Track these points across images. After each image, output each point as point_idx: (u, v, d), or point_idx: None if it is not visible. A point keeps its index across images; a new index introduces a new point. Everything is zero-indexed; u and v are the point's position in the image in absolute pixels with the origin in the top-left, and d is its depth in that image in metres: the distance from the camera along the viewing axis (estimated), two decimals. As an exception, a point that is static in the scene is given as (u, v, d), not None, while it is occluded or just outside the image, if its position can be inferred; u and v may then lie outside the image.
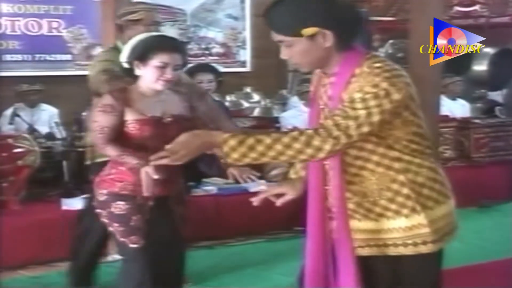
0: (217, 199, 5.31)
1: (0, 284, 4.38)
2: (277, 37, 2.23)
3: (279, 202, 2.47)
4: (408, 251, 2.27)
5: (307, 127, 2.27)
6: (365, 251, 2.32)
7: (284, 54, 2.25)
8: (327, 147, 2.11)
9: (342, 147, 2.15)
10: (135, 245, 3.00)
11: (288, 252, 4.72)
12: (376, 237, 2.29)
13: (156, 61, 2.98)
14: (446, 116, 6.88)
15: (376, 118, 2.12)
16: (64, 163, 5.48)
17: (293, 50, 2.22)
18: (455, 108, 7.44)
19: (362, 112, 2.11)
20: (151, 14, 3.95)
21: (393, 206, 2.25)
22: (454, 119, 7.07)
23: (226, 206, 5.27)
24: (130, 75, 3.12)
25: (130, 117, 2.99)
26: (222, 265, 4.75)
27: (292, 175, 2.58)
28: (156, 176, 2.84)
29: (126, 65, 3.10)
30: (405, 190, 2.24)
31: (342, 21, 2.20)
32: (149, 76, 3.02)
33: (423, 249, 2.26)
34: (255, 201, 2.45)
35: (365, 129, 2.13)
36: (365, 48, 2.28)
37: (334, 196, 2.30)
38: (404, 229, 2.25)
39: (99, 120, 3.00)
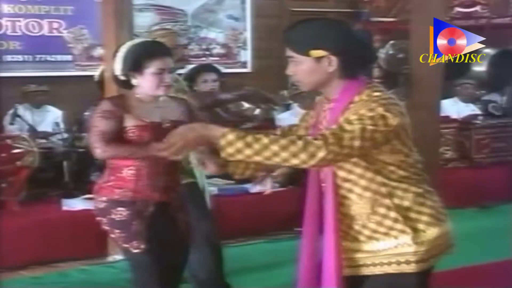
0: (217, 199, 5.30)
1: (1, 285, 4.38)
2: (288, 52, 2.34)
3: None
4: (391, 269, 2.31)
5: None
6: (357, 271, 2.36)
7: (290, 70, 2.35)
8: (320, 154, 2.15)
9: (334, 157, 2.18)
10: (137, 250, 3.00)
11: (288, 252, 4.70)
12: (366, 256, 2.34)
13: (153, 68, 3.00)
14: (447, 116, 6.88)
15: (369, 134, 2.17)
16: (65, 163, 5.49)
17: (298, 68, 2.32)
18: (465, 112, 7.40)
19: (357, 127, 2.17)
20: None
21: (382, 229, 2.30)
22: (455, 120, 7.06)
23: (226, 207, 5.26)
24: (126, 86, 3.12)
25: (129, 123, 3.00)
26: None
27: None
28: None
29: (122, 78, 3.09)
30: (392, 214, 2.29)
31: (351, 52, 2.29)
32: (148, 84, 3.02)
33: (406, 268, 2.29)
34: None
35: (358, 143, 2.17)
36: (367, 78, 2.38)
37: (326, 215, 2.34)
38: (391, 248, 2.30)
39: (98, 125, 2.99)
